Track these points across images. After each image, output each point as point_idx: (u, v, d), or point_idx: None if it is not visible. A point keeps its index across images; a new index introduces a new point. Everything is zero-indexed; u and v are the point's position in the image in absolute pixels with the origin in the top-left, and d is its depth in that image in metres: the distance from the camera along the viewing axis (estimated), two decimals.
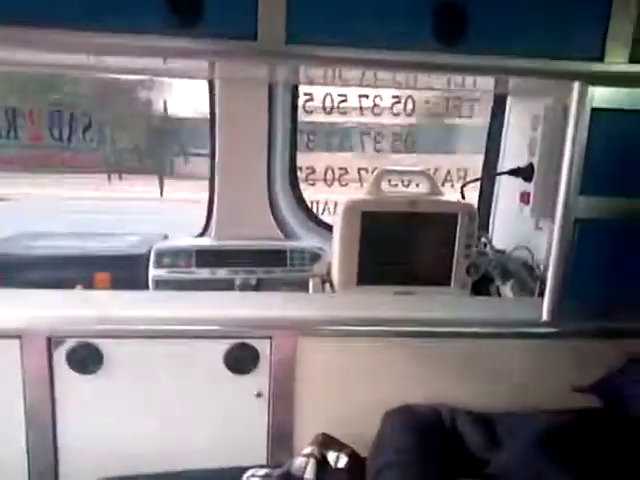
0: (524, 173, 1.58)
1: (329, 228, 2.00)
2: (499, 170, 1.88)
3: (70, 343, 1.26)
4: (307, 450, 1.20)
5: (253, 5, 1.16)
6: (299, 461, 1.17)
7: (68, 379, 1.28)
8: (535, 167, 1.54)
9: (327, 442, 1.29)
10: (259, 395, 1.37)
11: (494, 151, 1.96)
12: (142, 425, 1.33)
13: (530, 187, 1.57)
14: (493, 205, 1.93)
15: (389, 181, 1.66)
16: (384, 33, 1.21)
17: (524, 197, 1.59)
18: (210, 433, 1.37)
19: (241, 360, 1.34)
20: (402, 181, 1.96)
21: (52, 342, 1.26)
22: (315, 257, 1.67)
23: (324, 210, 2.32)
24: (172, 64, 1.54)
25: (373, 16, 1.20)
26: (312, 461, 1.16)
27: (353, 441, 1.29)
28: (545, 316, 1.40)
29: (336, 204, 2.31)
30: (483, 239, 1.74)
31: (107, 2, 1.12)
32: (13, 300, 1.36)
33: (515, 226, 1.72)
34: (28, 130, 2.34)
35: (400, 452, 1.16)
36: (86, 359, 1.27)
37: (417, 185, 1.72)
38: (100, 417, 1.32)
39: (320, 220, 2.08)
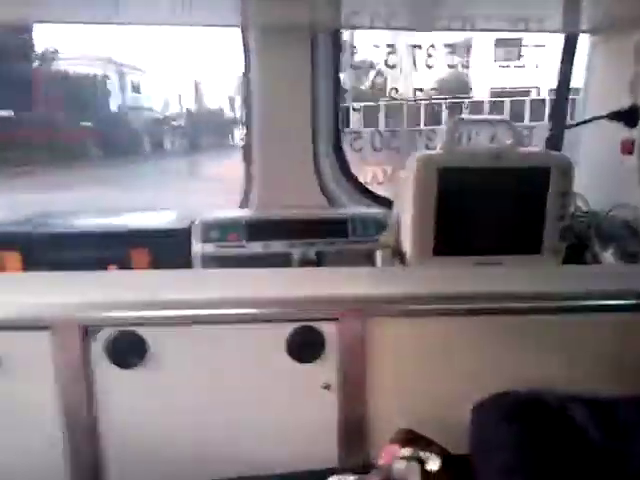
0: (626, 116, 1.34)
1: (379, 200, 1.82)
2: (583, 116, 1.65)
3: (108, 332, 1.09)
4: (405, 452, 1.03)
5: None
6: (399, 465, 0.99)
7: (108, 373, 1.11)
8: None
9: (413, 439, 1.11)
10: (327, 387, 1.20)
11: (563, 97, 1.74)
12: (195, 424, 1.17)
13: (634, 134, 1.34)
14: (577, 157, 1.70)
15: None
16: None
17: (626, 146, 1.35)
18: (274, 431, 1.21)
19: (305, 346, 1.17)
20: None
21: (88, 332, 1.09)
22: (380, 225, 1.46)
23: (372, 180, 2.14)
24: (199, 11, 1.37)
25: None
26: (415, 466, 0.98)
27: (438, 437, 1.11)
28: None
29: (385, 172, 2.16)
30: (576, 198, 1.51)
31: None
32: (38, 285, 1.20)
33: (613, 181, 1.48)
34: None
35: (516, 451, 0.98)
36: (128, 350, 1.10)
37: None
38: (147, 416, 1.16)
39: (370, 191, 1.89)
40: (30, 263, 1.40)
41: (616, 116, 1.38)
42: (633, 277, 1.25)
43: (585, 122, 1.61)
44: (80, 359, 1.09)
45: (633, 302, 1.21)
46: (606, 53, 1.58)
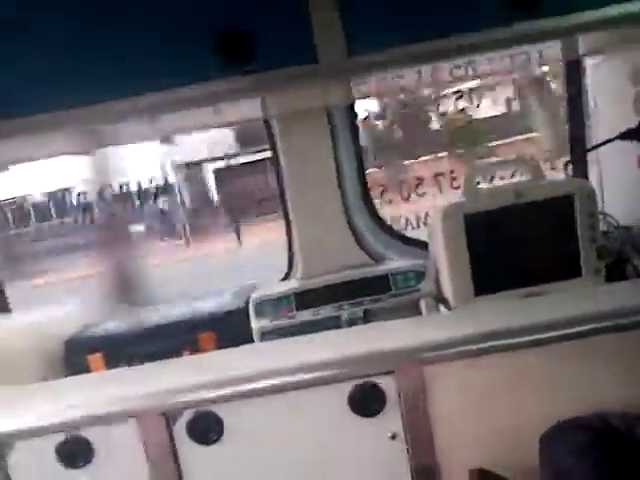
0: (637, 134, 1.39)
1: (416, 243, 1.88)
2: (596, 140, 1.69)
3: (188, 414, 1.19)
4: None
5: (307, 28, 1.12)
6: None
7: (192, 452, 1.20)
8: None
9: (486, 478, 1.13)
10: (394, 437, 1.24)
11: (579, 120, 1.79)
12: None
13: None
14: (595, 177, 1.72)
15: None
16: (451, 18, 1.12)
17: None
18: None
19: (367, 401, 1.22)
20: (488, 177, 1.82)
21: (169, 416, 1.19)
22: (420, 275, 1.53)
23: (406, 226, 2.22)
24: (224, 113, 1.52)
25: (434, 5, 1.12)
26: None
27: (509, 473, 1.13)
28: None
29: (419, 216, 2.24)
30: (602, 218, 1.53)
31: (154, 64, 1.12)
32: (123, 379, 1.32)
33: (636, 196, 1.50)
34: None
35: None
36: (207, 428, 1.19)
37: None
38: None
39: (405, 237, 1.96)
40: (112, 361, 1.53)
41: (628, 135, 1.42)
42: None
43: (601, 145, 1.65)
44: (167, 442, 1.18)
45: None
46: (608, 75, 1.63)
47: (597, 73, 1.68)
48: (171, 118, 1.45)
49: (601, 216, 1.54)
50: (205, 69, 1.12)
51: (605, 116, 1.64)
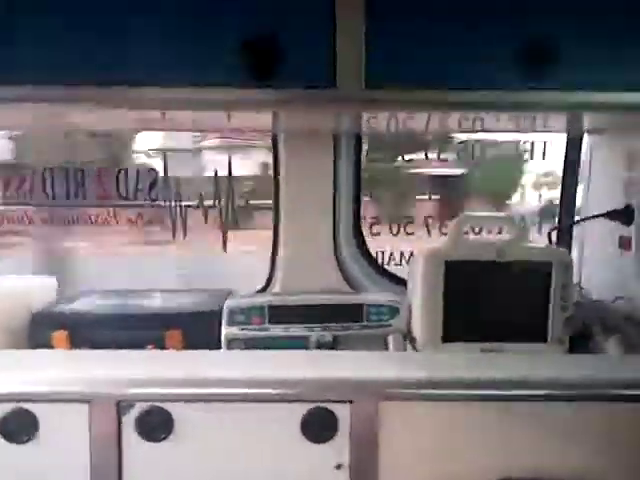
0: (622, 216, 1.45)
1: (397, 280, 1.91)
2: (584, 213, 1.76)
3: (140, 407, 1.19)
4: None
5: (331, 53, 1.15)
6: None
7: (137, 445, 1.19)
8: (636, 210, 1.40)
9: None
10: (339, 467, 1.24)
11: (570, 194, 1.85)
12: None
13: (630, 231, 1.43)
14: (577, 251, 1.78)
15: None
16: (467, 73, 1.17)
17: (624, 242, 1.44)
18: None
19: (319, 427, 1.23)
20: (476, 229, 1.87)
21: (121, 406, 1.19)
22: (393, 311, 1.55)
23: (389, 261, 2.24)
24: (237, 119, 1.55)
25: (456, 55, 1.17)
26: None
27: None
28: None
29: (403, 254, 2.27)
30: (577, 289, 1.58)
31: (181, 57, 1.14)
32: (83, 362, 1.31)
33: (612, 274, 1.56)
34: None
35: None
36: (156, 424, 1.19)
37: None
38: None
39: (387, 272, 1.99)
40: (76, 341, 1.53)
41: (613, 215, 1.48)
42: (638, 367, 1.29)
43: (588, 219, 1.72)
44: (114, 431, 1.18)
45: (637, 393, 1.25)
46: (605, 154, 1.70)
47: (595, 151, 1.75)
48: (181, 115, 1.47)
49: (577, 288, 1.59)
50: (227, 74, 1.14)
51: (596, 193, 1.70)
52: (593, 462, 1.23)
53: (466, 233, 1.74)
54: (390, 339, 1.52)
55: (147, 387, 1.20)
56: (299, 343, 1.51)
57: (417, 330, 1.44)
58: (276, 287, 1.83)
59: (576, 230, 1.81)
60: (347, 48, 1.15)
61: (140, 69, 1.14)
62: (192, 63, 1.15)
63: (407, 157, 2.30)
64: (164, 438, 1.19)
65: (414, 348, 1.47)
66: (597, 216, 1.57)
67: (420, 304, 1.42)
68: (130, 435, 1.18)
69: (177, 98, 1.17)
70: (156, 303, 1.72)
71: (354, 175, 1.86)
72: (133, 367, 1.27)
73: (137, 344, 1.43)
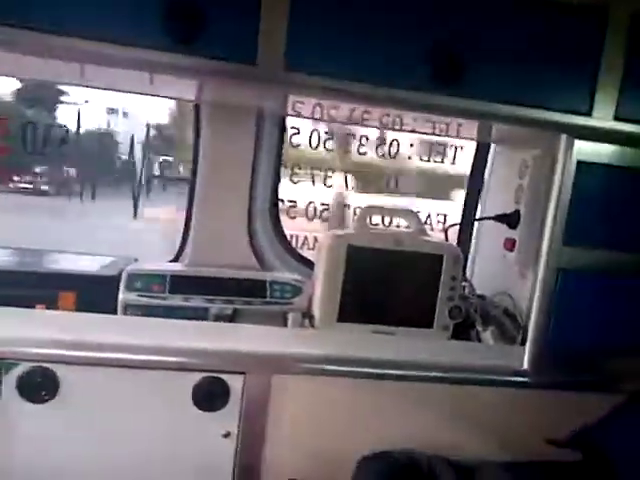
0: (509, 219, 1.58)
1: (308, 263, 1.97)
2: (480, 215, 1.90)
3: (23, 367, 1.15)
4: None
5: (254, 30, 1.16)
6: None
7: (18, 407, 1.16)
8: (521, 215, 1.55)
9: None
10: (227, 435, 1.28)
11: (474, 196, 2.00)
12: (98, 461, 1.22)
13: (515, 234, 1.57)
14: (472, 249, 1.93)
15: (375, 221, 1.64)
16: (383, 70, 1.23)
17: (508, 244, 1.59)
18: (171, 474, 1.27)
19: (210, 396, 1.26)
20: (384, 219, 1.97)
21: (2, 365, 1.15)
22: (296, 290, 1.60)
23: (303, 245, 2.29)
24: (160, 84, 1.52)
25: (373, 52, 1.22)
26: None
27: None
28: (526, 365, 1.40)
29: (316, 239, 2.32)
30: (464, 283, 1.72)
31: (103, 12, 1.09)
32: None
33: (497, 272, 1.71)
34: None
35: None
36: (40, 386, 1.16)
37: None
38: (53, 451, 1.20)
39: (299, 254, 2.04)
40: None
41: (502, 218, 1.62)
42: (507, 356, 1.44)
43: (480, 219, 1.87)
44: None
45: (508, 378, 1.40)
46: (503, 162, 1.84)
47: (496, 159, 1.89)
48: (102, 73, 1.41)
49: (465, 282, 1.72)
50: (148, 34, 1.11)
51: (493, 198, 1.85)
52: (460, 438, 1.37)
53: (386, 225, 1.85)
54: (290, 317, 1.57)
55: (32, 347, 1.17)
56: (198, 314, 1.52)
57: (316, 309, 1.50)
58: (186, 260, 1.82)
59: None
60: (270, 25, 1.16)
61: (68, 17, 1.08)
62: (116, 19, 1.11)
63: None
64: (47, 400, 1.17)
65: (312, 326, 1.53)
66: (487, 218, 1.71)
67: (321, 284, 1.49)
68: (11, 396, 1.15)
69: (95, 51, 1.12)
70: (53, 264, 1.65)
71: (276, 156, 1.88)
72: (19, 325, 1.22)
73: (27, 303, 1.37)
